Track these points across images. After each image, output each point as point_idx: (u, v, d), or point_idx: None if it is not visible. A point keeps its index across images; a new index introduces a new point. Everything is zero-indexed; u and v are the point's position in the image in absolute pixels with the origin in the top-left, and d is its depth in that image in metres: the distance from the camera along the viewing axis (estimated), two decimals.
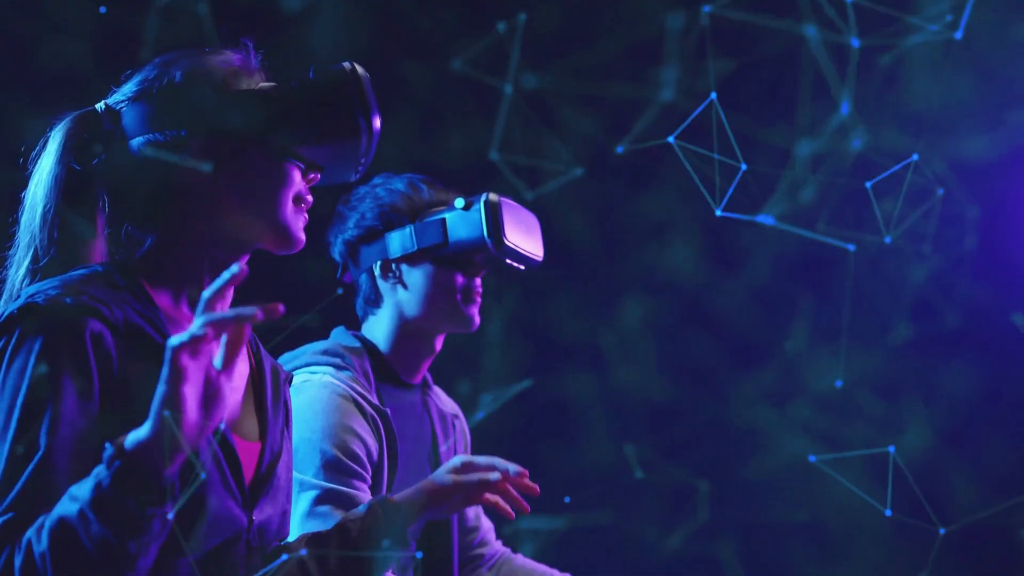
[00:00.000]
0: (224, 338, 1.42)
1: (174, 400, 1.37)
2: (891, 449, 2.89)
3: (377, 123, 1.74)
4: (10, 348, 1.54)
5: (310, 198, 1.77)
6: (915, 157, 2.84)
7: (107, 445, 1.40)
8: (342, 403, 2.32)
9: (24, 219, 1.73)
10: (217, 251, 1.72)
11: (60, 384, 1.52)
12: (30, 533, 1.44)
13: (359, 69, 1.73)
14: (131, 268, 1.69)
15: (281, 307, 1.38)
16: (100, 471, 1.40)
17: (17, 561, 1.43)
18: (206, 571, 1.62)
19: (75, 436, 1.51)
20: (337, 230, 2.55)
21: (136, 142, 1.71)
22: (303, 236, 1.75)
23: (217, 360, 1.42)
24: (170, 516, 1.43)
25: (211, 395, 1.42)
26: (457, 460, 1.98)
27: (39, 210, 1.71)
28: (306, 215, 1.76)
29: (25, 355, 1.53)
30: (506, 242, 2.41)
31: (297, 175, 1.73)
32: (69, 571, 1.41)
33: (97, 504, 1.39)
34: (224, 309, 1.44)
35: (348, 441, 2.28)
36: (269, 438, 1.75)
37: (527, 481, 1.98)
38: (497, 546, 2.71)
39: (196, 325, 1.38)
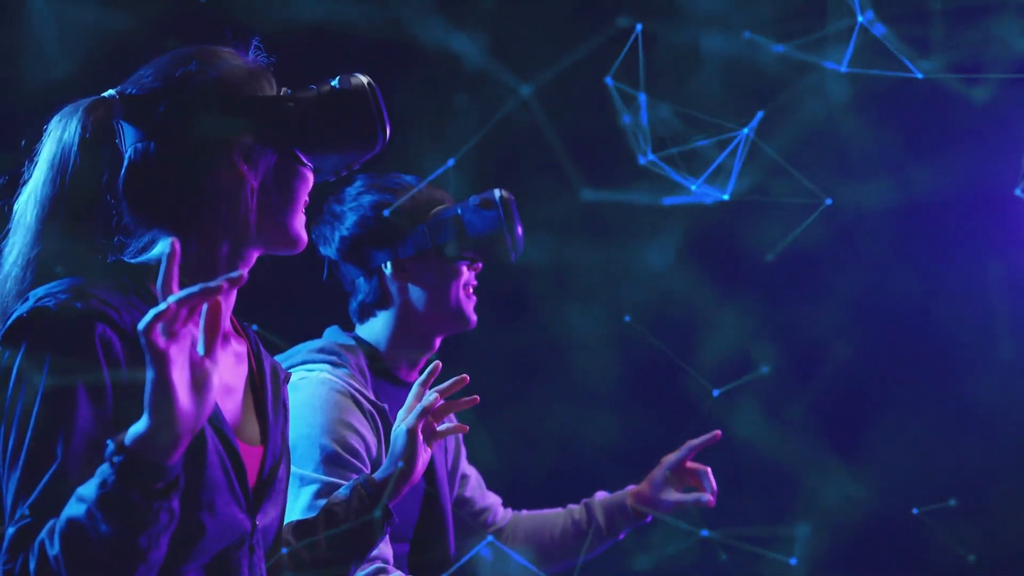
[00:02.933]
0: (202, 323, 1.41)
1: (163, 385, 1.37)
2: (764, 369, 2.93)
3: (388, 132, 1.80)
4: (20, 355, 1.53)
5: (307, 198, 1.80)
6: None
7: (108, 442, 1.40)
8: (340, 399, 2.34)
9: (23, 206, 1.70)
10: (227, 253, 1.72)
11: (74, 392, 1.51)
12: (42, 535, 1.44)
13: (371, 81, 1.79)
14: (137, 269, 1.69)
15: (244, 275, 1.39)
16: (104, 469, 1.40)
17: (31, 565, 1.44)
18: (210, 575, 1.63)
19: (89, 444, 1.51)
20: (332, 228, 2.55)
21: (169, 139, 1.69)
22: (306, 236, 1.79)
23: (199, 346, 1.42)
24: (175, 506, 1.43)
25: (199, 380, 1.41)
26: (400, 413, 2.03)
27: (41, 197, 1.68)
28: (304, 214, 1.79)
29: (37, 362, 1.52)
30: (518, 235, 2.50)
31: (311, 178, 1.78)
32: (83, 570, 1.41)
33: (103, 502, 1.39)
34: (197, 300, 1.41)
35: (347, 436, 2.31)
36: (271, 441, 1.76)
37: (454, 386, 2.05)
38: (507, 514, 2.77)
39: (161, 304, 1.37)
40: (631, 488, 2.66)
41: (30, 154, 1.73)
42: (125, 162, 1.69)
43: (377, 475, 1.99)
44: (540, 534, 2.71)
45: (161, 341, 1.36)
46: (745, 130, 2.90)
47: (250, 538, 1.69)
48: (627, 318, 3.35)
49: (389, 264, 2.50)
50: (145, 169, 1.69)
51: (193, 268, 1.70)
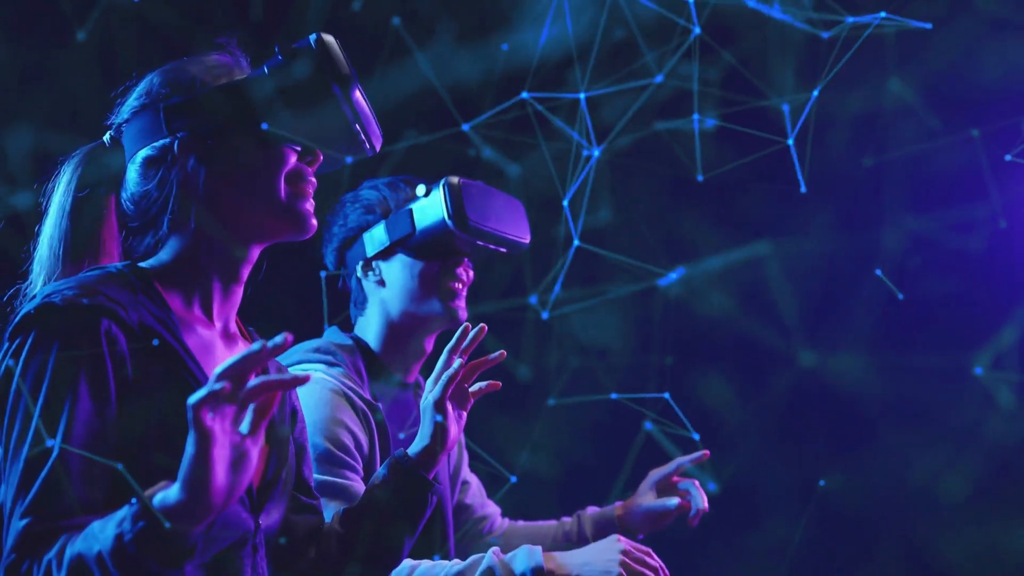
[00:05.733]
0: (253, 404, 1.40)
1: (202, 463, 1.35)
2: (666, 395, 2.99)
3: (353, 90, 1.71)
4: (27, 348, 1.54)
5: (314, 180, 1.77)
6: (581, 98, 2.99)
7: (133, 500, 1.39)
8: (332, 397, 2.33)
9: (37, 252, 1.77)
10: (224, 249, 1.74)
11: (78, 385, 1.52)
12: (50, 555, 1.44)
13: (326, 39, 1.71)
14: (143, 270, 1.71)
15: (289, 337, 1.37)
16: (124, 523, 1.39)
17: None
18: (213, 574, 1.63)
19: (91, 438, 1.52)
20: (325, 240, 2.56)
21: (136, 159, 1.74)
22: (311, 219, 1.75)
23: (244, 424, 1.40)
24: (187, 572, 1.44)
25: (237, 459, 1.39)
26: (428, 384, 2.00)
27: (49, 242, 1.75)
28: (311, 200, 1.76)
29: (43, 356, 1.53)
30: (470, 221, 2.38)
31: (291, 157, 1.74)
32: None
33: (117, 556, 1.39)
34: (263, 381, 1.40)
35: (338, 433, 2.29)
36: (276, 442, 1.77)
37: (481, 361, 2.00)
38: (504, 523, 2.74)
39: (211, 380, 1.36)
40: (620, 503, 2.62)
41: (45, 198, 1.80)
42: (119, 188, 1.77)
43: (411, 449, 1.95)
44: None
45: (208, 419, 1.35)
46: (696, 115, 3.03)
47: (253, 537, 1.69)
48: (551, 401, 3.35)
49: (360, 265, 2.50)
50: (131, 189, 1.75)
51: (183, 269, 1.73)
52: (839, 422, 3.52)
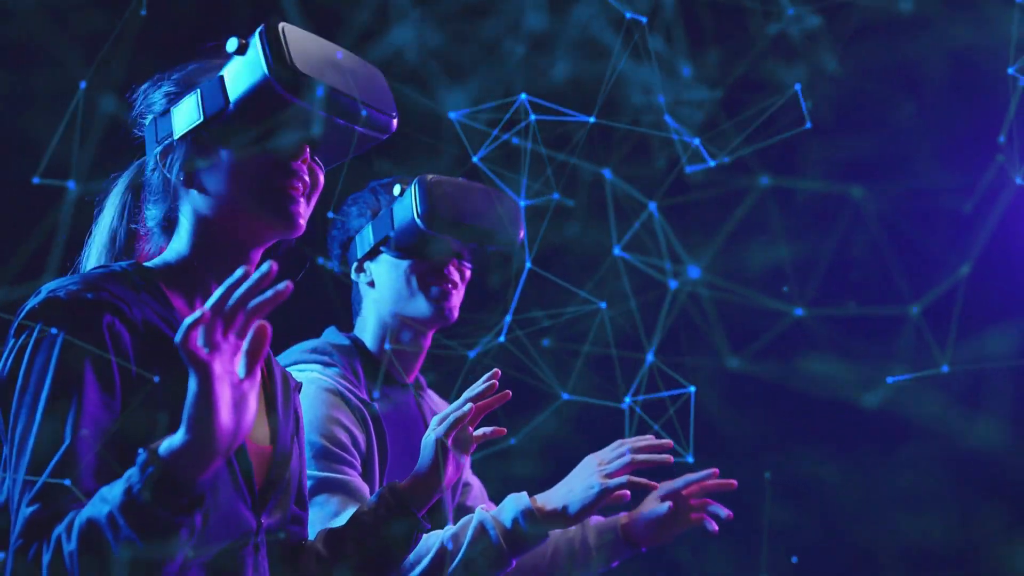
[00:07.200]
0: (246, 345, 1.40)
1: (206, 400, 1.36)
2: (626, 403, 2.99)
3: (291, 74, 1.65)
4: (32, 342, 1.55)
5: (307, 177, 1.74)
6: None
7: (140, 451, 1.39)
8: (328, 396, 2.34)
9: (89, 252, 1.80)
10: (219, 252, 1.74)
11: (83, 378, 1.52)
12: (59, 530, 1.44)
13: (274, 29, 1.67)
14: (148, 270, 1.72)
15: (274, 266, 1.35)
16: (132, 476, 1.39)
17: (45, 558, 1.44)
18: (214, 572, 1.63)
19: (98, 429, 1.52)
20: (329, 243, 2.58)
21: (149, 166, 1.77)
22: (297, 219, 1.72)
23: (240, 367, 1.40)
24: (197, 521, 1.43)
25: (239, 400, 1.40)
26: (433, 422, 2.01)
27: (95, 250, 1.79)
28: (300, 197, 1.73)
29: (48, 348, 1.54)
30: (440, 219, 2.36)
31: (271, 157, 1.71)
32: (96, 572, 1.41)
33: (128, 510, 1.39)
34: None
35: (334, 430, 2.30)
36: (279, 442, 1.77)
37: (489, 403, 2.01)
38: None
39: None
40: (625, 513, 2.57)
41: (99, 209, 1.83)
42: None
43: (404, 482, 1.95)
44: (534, 550, 2.55)
45: (202, 352, 1.34)
46: (669, 117, 3.06)
47: (255, 537, 1.69)
48: (512, 440, 3.29)
49: (354, 266, 2.51)
50: (145, 197, 1.79)
51: (183, 270, 1.74)
52: (824, 417, 3.54)
